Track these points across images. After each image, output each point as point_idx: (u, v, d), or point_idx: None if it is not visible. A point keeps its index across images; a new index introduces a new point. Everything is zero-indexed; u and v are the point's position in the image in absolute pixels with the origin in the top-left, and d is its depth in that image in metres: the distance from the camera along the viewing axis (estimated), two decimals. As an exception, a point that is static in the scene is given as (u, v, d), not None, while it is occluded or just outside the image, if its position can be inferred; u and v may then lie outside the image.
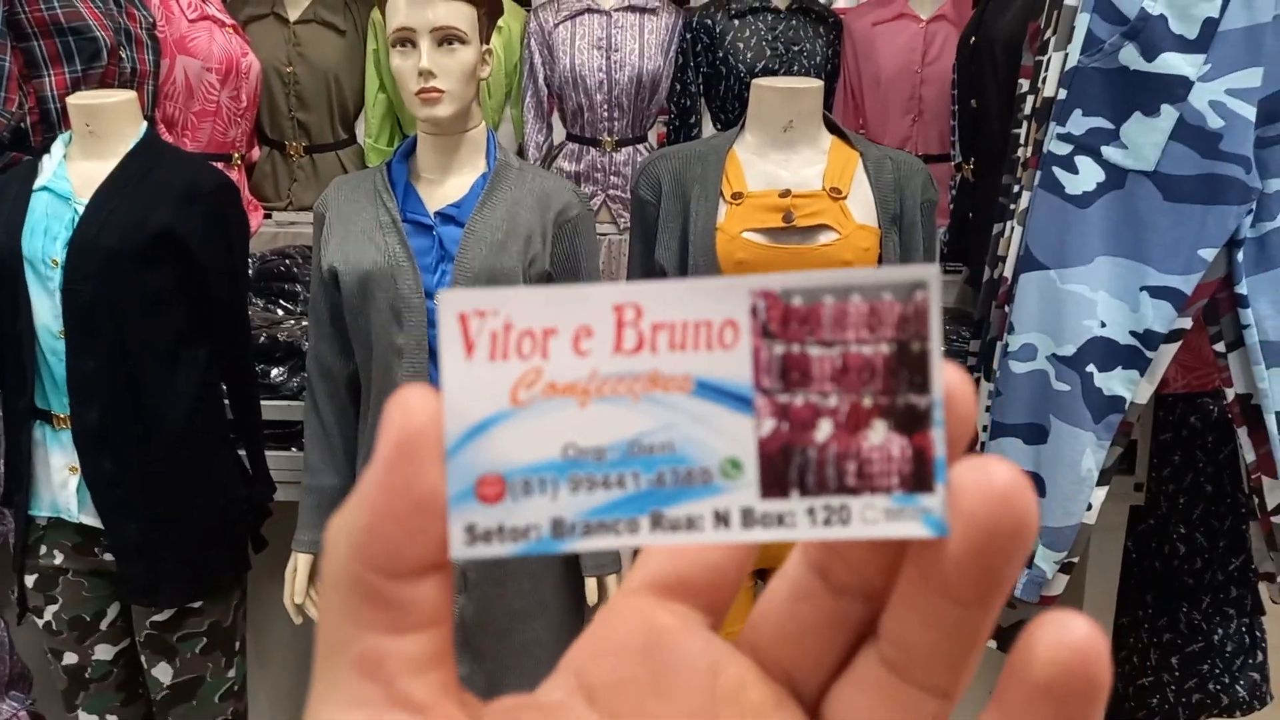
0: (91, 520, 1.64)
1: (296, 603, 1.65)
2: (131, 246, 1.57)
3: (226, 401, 1.76)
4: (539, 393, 0.21)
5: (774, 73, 2.51)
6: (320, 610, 0.21)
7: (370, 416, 1.57)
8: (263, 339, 2.00)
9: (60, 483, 1.64)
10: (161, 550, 1.65)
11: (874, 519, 0.21)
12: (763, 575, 1.55)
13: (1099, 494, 1.44)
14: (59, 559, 1.68)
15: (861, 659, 0.22)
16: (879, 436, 0.21)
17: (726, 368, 0.21)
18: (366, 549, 0.20)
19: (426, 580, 0.20)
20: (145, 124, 1.67)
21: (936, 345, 0.21)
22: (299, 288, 2.34)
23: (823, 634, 0.22)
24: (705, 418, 0.21)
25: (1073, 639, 0.19)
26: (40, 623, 1.71)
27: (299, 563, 1.64)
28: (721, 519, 0.21)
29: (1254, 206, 1.32)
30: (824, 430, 0.21)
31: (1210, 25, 1.30)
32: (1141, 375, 1.39)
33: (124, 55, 2.00)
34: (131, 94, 1.67)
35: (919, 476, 0.21)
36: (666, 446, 0.21)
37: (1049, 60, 1.44)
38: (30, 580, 1.69)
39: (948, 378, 0.21)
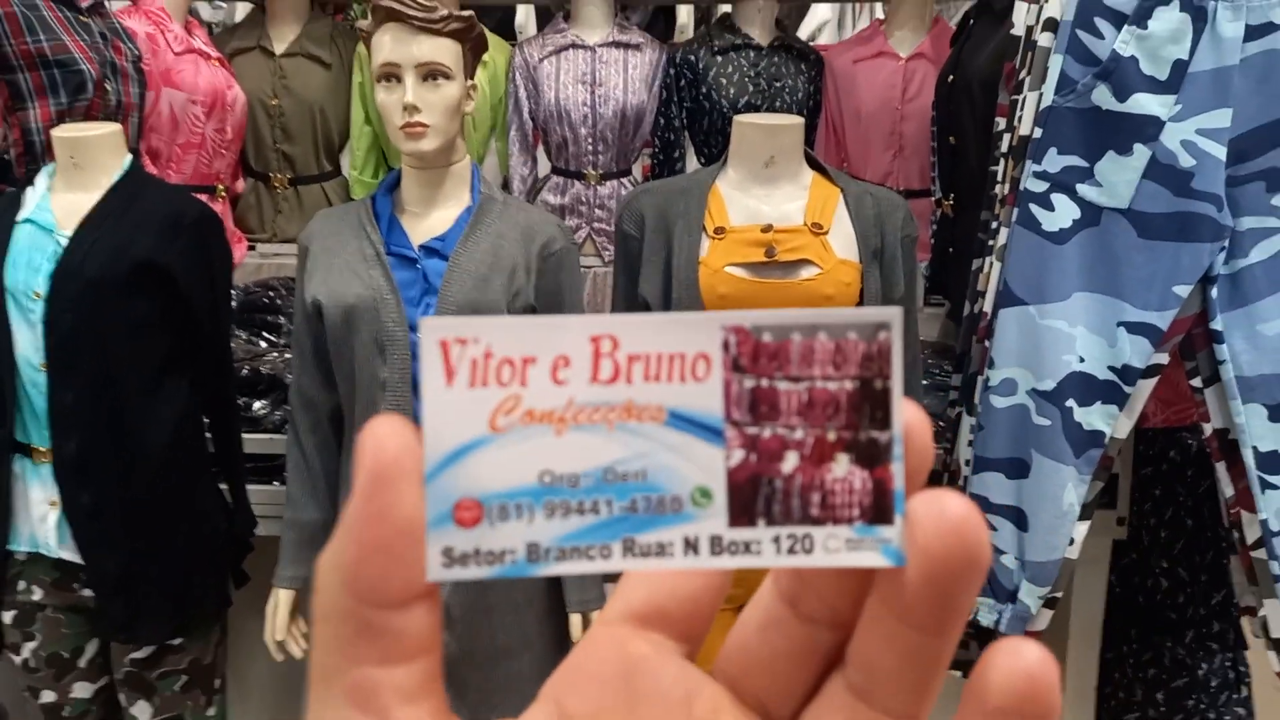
0: (71, 555, 1.62)
1: (277, 639, 1.63)
2: (114, 276, 1.57)
3: (208, 434, 1.75)
4: (517, 420, 0.22)
5: (756, 108, 2.54)
6: (313, 643, 0.21)
7: (353, 449, 1.56)
8: (245, 371, 2.00)
9: (40, 517, 1.63)
10: (141, 585, 1.63)
11: (836, 548, 0.22)
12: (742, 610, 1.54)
13: (1081, 528, 1.45)
14: (37, 595, 1.66)
15: (830, 686, 0.23)
16: (842, 469, 0.22)
17: (698, 399, 0.22)
18: (355, 581, 0.20)
19: (414, 609, 0.21)
20: (130, 156, 1.68)
21: (898, 383, 0.22)
22: (282, 319, 2.33)
23: (793, 662, 0.23)
24: (677, 447, 0.22)
25: (1025, 665, 0.20)
26: (17, 660, 1.68)
27: (280, 599, 1.62)
28: (691, 546, 0.22)
29: (1227, 244, 1.35)
30: (790, 462, 0.22)
31: (1180, 67, 1.33)
32: (1120, 410, 1.41)
33: (109, 88, 2.01)
34: (116, 126, 1.68)
35: (879, 508, 0.22)
36: (639, 474, 0.22)
37: (1024, 99, 1.46)
38: (8, 616, 1.67)
39: (907, 415, 0.22)
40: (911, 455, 0.22)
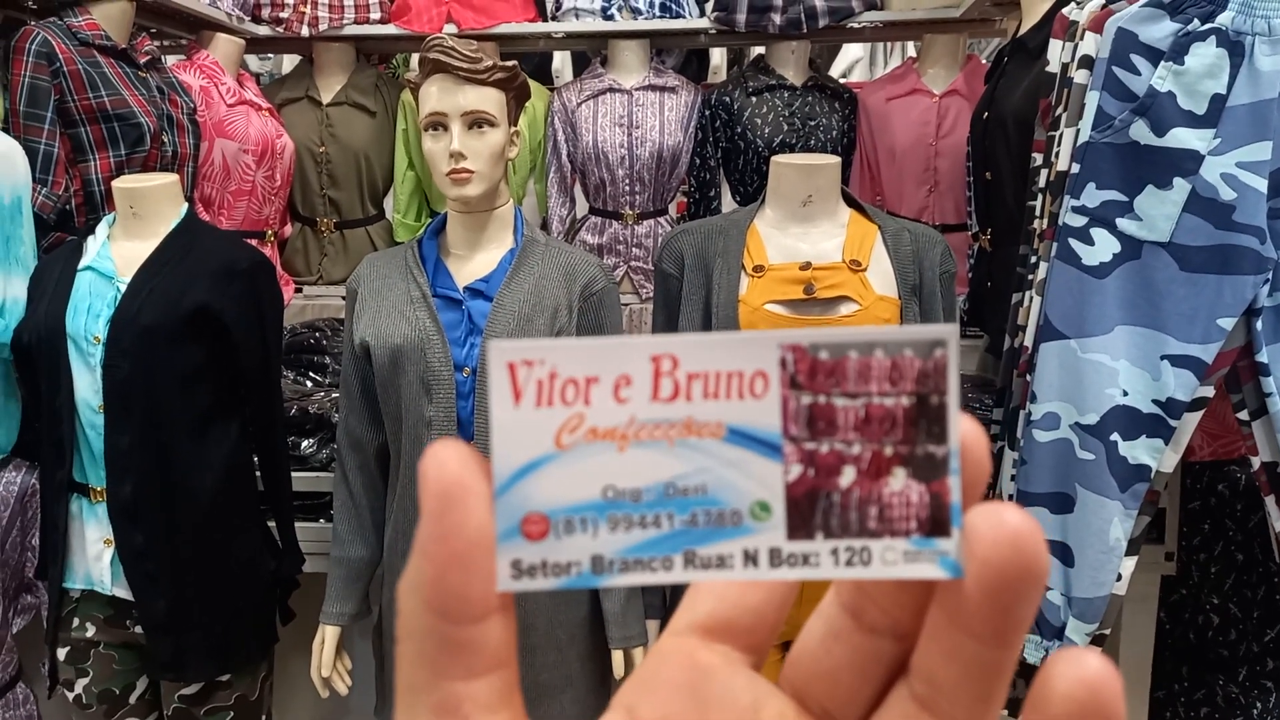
0: (124, 593, 1.66)
1: (323, 675, 1.64)
2: (168, 323, 1.61)
3: (257, 473, 1.78)
4: (581, 437, 0.22)
5: (791, 147, 2.57)
6: (398, 660, 0.23)
7: (399, 488, 1.59)
8: (293, 411, 2.03)
9: (95, 555, 1.66)
10: (189, 623, 1.66)
11: (893, 560, 0.22)
12: (786, 647, 1.53)
13: (1128, 564, 1.43)
14: (91, 632, 1.69)
15: (894, 696, 0.23)
16: (899, 483, 0.22)
17: (757, 416, 0.23)
18: (433, 598, 0.21)
19: (490, 622, 0.22)
20: (186, 205, 1.73)
21: (954, 398, 0.22)
22: (328, 360, 2.38)
23: (857, 672, 0.24)
24: (736, 463, 0.23)
25: (1088, 674, 0.20)
26: (70, 696, 1.71)
27: (326, 635, 1.64)
28: (750, 558, 0.23)
29: (1270, 276, 1.34)
30: (848, 476, 0.23)
31: (1218, 101, 1.34)
32: (1166, 444, 1.39)
33: (166, 139, 2.08)
34: (174, 177, 1.74)
35: (936, 521, 0.22)
36: (700, 489, 0.23)
37: (1061, 135, 1.47)
38: (62, 653, 1.70)
39: (963, 428, 0.22)
40: (968, 467, 0.22)
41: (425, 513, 0.21)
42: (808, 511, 0.22)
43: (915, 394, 0.22)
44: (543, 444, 0.22)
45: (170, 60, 2.48)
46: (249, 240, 2.42)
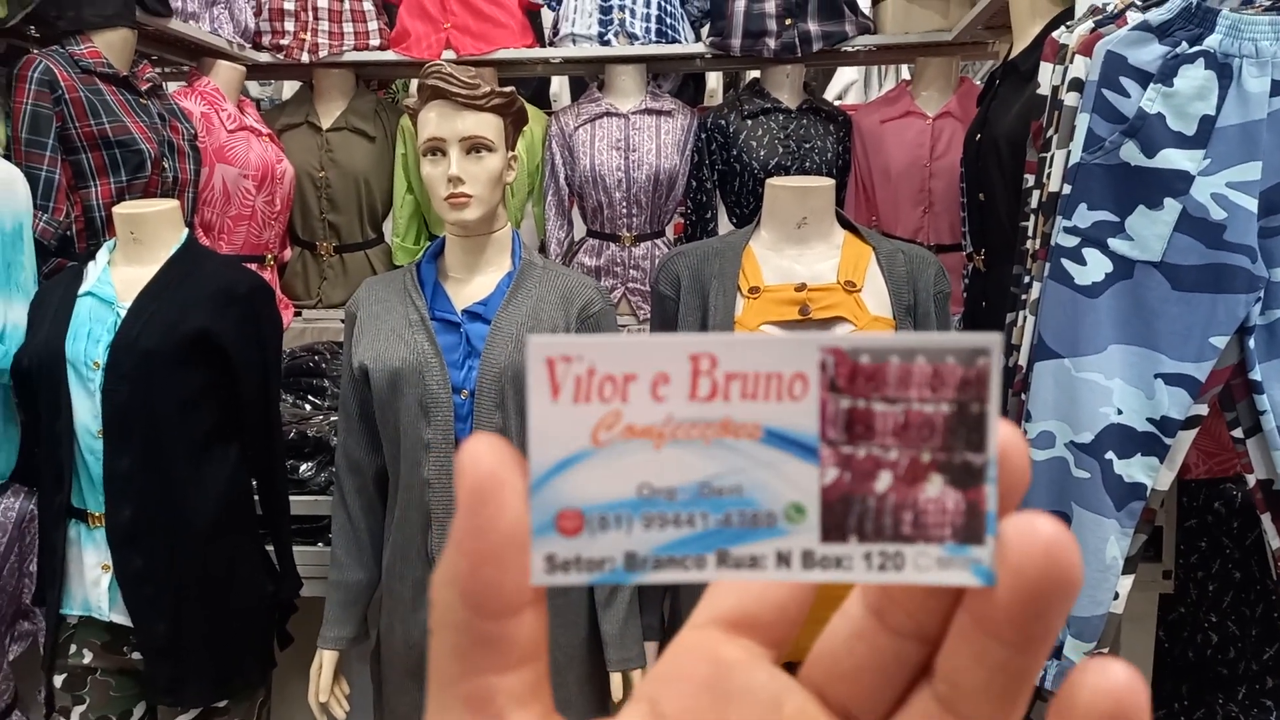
0: (122, 618, 1.65)
1: (321, 701, 1.63)
2: (168, 347, 1.62)
3: (255, 497, 1.79)
4: (618, 434, 0.22)
5: (786, 169, 2.59)
6: (432, 652, 0.23)
7: (397, 511, 1.59)
8: (292, 434, 2.03)
9: (93, 580, 1.66)
10: (187, 649, 1.65)
11: (926, 566, 0.22)
12: (790, 668, 1.53)
13: (1125, 582, 1.43)
14: (88, 658, 1.69)
15: (917, 697, 0.23)
16: (935, 490, 0.22)
17: (794, 418, 0.22)
18: (468, 592, 0.21)
19: (524, 616, 0.22)
20: (186, 231, 1.75)
21: (995, 407, 0.22)
22: (327, 383, 2.39)
23: (879, 673, 0.24)
24: (772, 464, 0.23)
25: (1113, 685, 0.20)
26: (67, 723, 1.71)
27: (324, 659, 1.63)
28: (783, 559, 0.23)
29: (1261, 295, 1.35)
30: (884, 481, 0.22)
31: (1208, 122, 1.35)
32: (1161, 462, 1.40)
33: (167, 165, 2.10)
34: (174, 203, 1.75)
35: (971, 529, 0.22)
36: (735, 489, 0.23)
37: (1052, 157, 1.49)
38: (59, 680, 1.70)
39: (1003, 436, 0.22)
40: (1006, 475, 0.22)
41: (461, 506, 0.21)
42: (842, 515, 0.22)
43: (956, 401, 0.22)
44: (579, 440, 0.22)
45: (172, 87, 2.50)
46: (249, 264, 2.44)
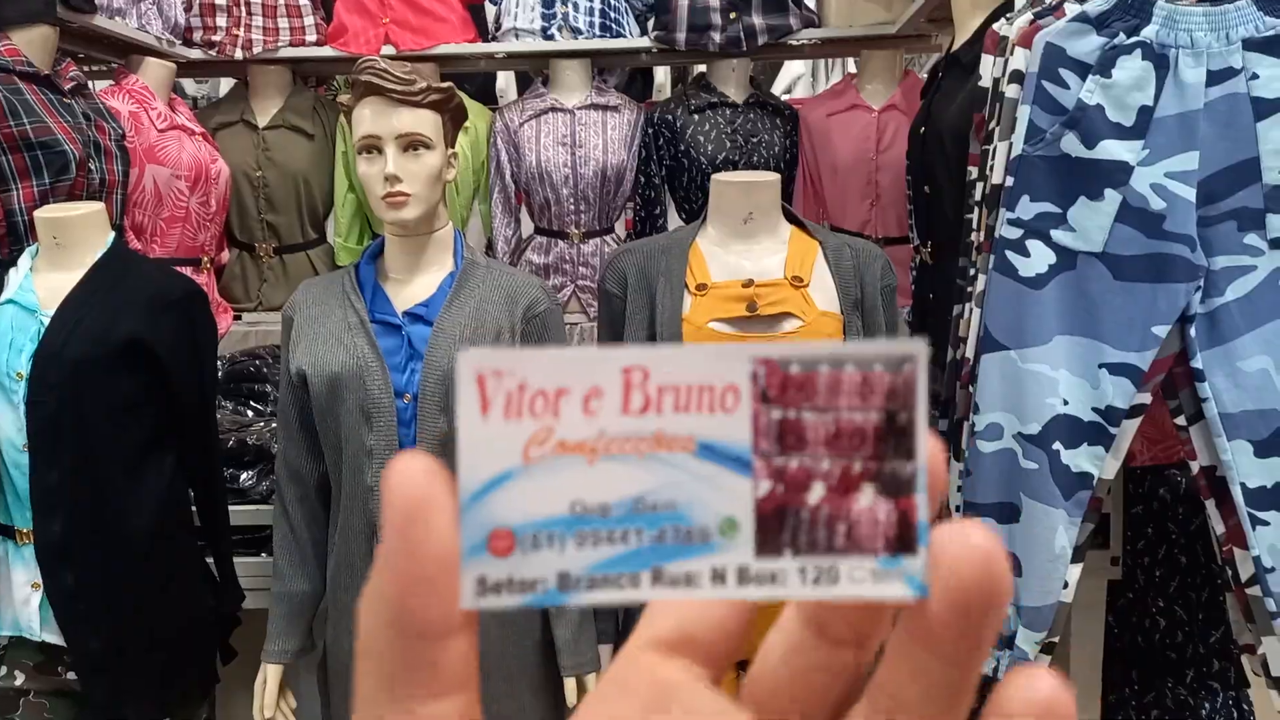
0: (54, 638, 1.59)
1: (266, 716, 1.59)
2: (98, 356, 1.56)
3: (194, 508, 1.74)
4: (550, 450, 0.22)
5: (734, 164, 2.58)
6: (358, 678, 0.22)
7: (340, 520, 1.55)
8: (231, 443, 1.98)
9: (22, 599, 1.60)
10: (126, 665, 1.60)
11: (861, 579, 0.22)
12: (744, 666, 1.52)
13: (1074, 571, 1.44)
14: (20, 680, 1.63)
15: (856, 710, 0.23)
16: (867, 500, 0.22)
17: (727, 430, 0.22)
18: (397, 614, 0.21)
19: (453, 641, 0.21)
20: (112, 234, 1.68)
21: (923, 414, 0.22)
22: (269, 388, 2.33)
23: (818, 686, 0.23)
24: (706, 478, 0.22)
25: (1042, 696, 0.21)
26: (-2, 748, 1.64)
27: (268, 674, 1.59)
28: (718, 576, 0.22)
29: (1202, 283, 1.36)
30: (816, 493, 0.22)
31: (1145, 113, 1.36)
32: (1107, 451, 1.41)
33: (93, 167, 2.03)
34: (99, 205, 1.69)
35: (903, 539, 0.22)
36: (669, 505, 0.22)
37: (994, 149, 1.49)
38: (-11, 704, 1.63)
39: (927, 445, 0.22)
40: (929, 485, 0.22)
41: (388, 527, 0.20)
42: (776, 528, 0.22)
43: (884, 409, 0.22)
44: (510, 458, 0.22)
45: (100, 86, 2.41)
46: (184, 267, 2.37)
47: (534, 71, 2.96)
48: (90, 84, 2.23)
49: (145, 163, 2.26)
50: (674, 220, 2.79)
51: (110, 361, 1.57)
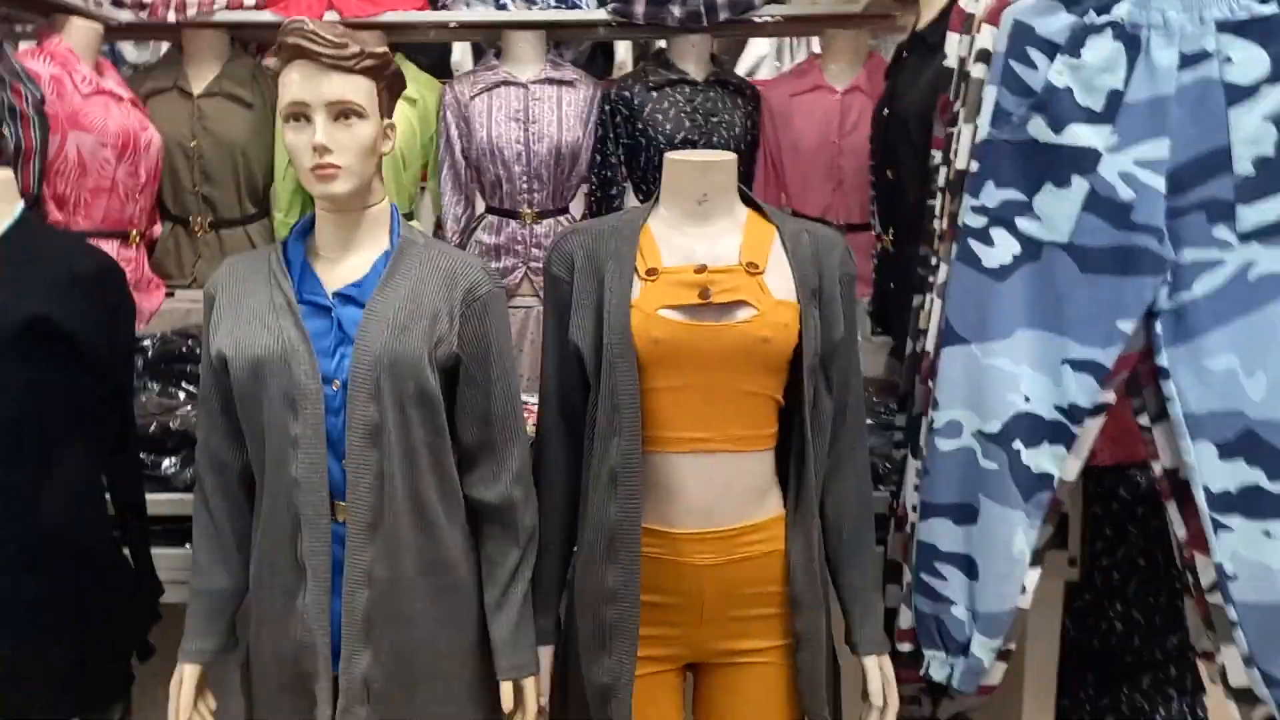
0: (-48, 637, 1.49)
1: (183, 719, 1.50)
2: (2, 336, 1.46)
3: (108, 496, 1.64)
4: None
5: (694, 143, 2.50)
6: None
7: (264, 512, 1.46)
8: (153, 428, 1.88)
9: (-80, 598, 1.49)
10: (34, 662, 1.51)
11: None
12: (691, 668, 1.46)
13: (1032, 575, 1.39)
14: (-85, 682, 1.52)
15: None
16: None
17: None
18: None
19: None
20: (20, 204, 1.57)
21: None
22: (200, 369, 2.22)
23: None
24: None
25: None
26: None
27: (185, 674, 1.50)
28: None
29: (1169, 277, 1.31)
30: None
31: (1115, 97, 1.30)
32: (1068, 451, 1.36)
33: (7, 132, 1.91)
34: (6, 173, 1.57)
35: None
36: None
37: (959, 132, 1.43)
38: (-118, 709, 1.53)
39: None
40: None
41: None
42: None
43: None
44: None
45: (22, 47, 2.27)
46: (111, 241, 2.25)
47: (486, 43, 2.85)
48: (10, 45, 2.09)
49: (68, 129, 2.13)
50: (631, 201, 2.71)
51: (16, 342, 1.47)
